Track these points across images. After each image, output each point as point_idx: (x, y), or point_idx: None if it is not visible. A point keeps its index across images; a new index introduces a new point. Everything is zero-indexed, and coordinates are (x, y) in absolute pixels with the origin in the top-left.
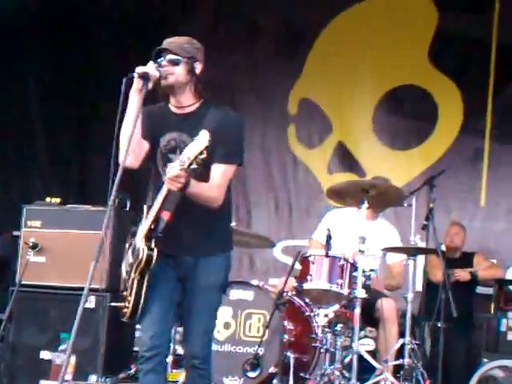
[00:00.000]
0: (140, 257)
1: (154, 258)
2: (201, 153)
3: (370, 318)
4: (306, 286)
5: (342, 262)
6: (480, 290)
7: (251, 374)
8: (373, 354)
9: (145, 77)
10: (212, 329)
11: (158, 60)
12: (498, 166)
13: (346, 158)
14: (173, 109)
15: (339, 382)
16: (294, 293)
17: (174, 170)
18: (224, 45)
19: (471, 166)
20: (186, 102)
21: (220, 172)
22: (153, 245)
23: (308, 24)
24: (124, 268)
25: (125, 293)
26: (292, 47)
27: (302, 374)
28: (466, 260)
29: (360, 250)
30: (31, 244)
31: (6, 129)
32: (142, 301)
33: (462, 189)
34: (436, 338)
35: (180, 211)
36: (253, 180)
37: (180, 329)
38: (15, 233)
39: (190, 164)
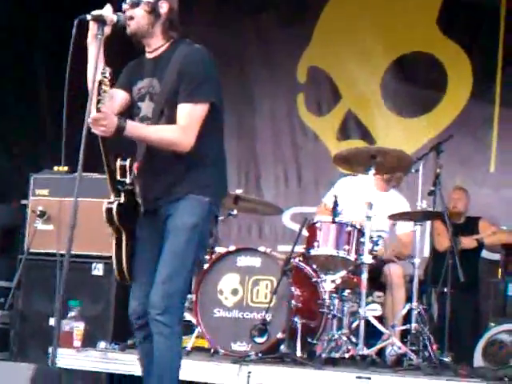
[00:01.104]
0: (104, 214)
1: (114, 210)
2: (99, 86)
3: (378, 283)
4: (313, 252)
5: (349, 228)
6: (486, 255)
7: (259, 340)
8: (380, 319)
9: (100, 20)
10: (177, 276)
11: (122, 5)
12: (508, 133)
13: (355, 126)
14: (147, 55)
15: (347, 347)
16: (301, 259)
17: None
18: (232, 16)
19: (481, 133)
20: (155, 44)
21: (184, 112)
22: (114, 197)
23: None
24: None
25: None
26: (300, 16)
27: (309, 340)
28: (470, 225)
29: (367, 216)
30: (39, 212)
31: (11, 98)
32: (124, 260)
33: (472, 156)
34: (443, 304)
35: (145, 161)
36: (262, 148)
37: (188, 295)
38: (23, 201)
39: (98, 102)
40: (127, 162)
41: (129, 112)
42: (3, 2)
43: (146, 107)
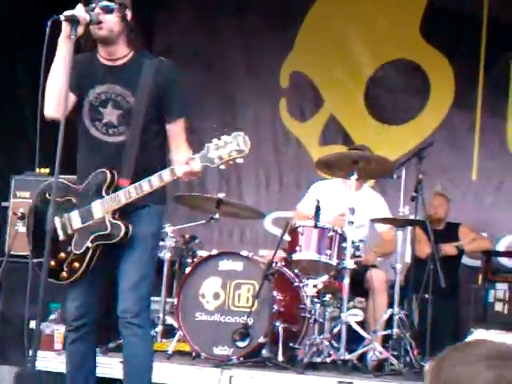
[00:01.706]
0: (113, 232)
1: (130, 234)
2: (238, 158)
3: (360, 288)
4: (295, 256)
5: (331, 232)
6: (466, 261)
7: (241, 344)
8: (361, 324)
9: (73, 20)
10: (144, 280)
11: (89, 6)
12: (489, 141)
13: (337, 132)
14: (102, 60)
15: (328, 351)
16: (283, 263)
17: (195, 164)
18: (214, 19)
19: (463, 140)
20: (119, 53)
21: (181, 130)
22: (118, 217)
23: None
24: (61, 229)
25: (62, 255)
26: (283, 21)
27: (291, 344)
28: (450, 231)
29: (349, 221)
30: (20, 214)
31: None
32: (89, 270)
33: (454, 163)
34: (424, 310)
35: (132, 179)
36: None
37: (169, 299)
38: (4, 203)
39: (221, 165)
40: (115, 176)
41: (78, 113)
42: None
43: (109, 114)
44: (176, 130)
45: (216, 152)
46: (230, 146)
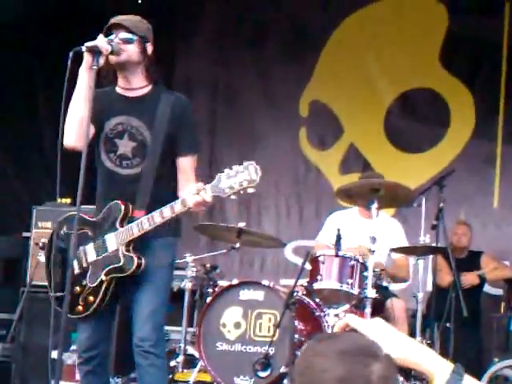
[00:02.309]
0: (126, 264)
1: (143, 266)
2: (249, 187)
3: (380, 317)
4: (316, 285)
5: (352, 261)
6: (488, 290)
7: (262, 374)
8: None
9: (95, 51)
10: (160, 310)
11: (110, 37)
12: (511, 168)
13: (357, 160)
14: (120, 91)
15: None
16: (304, 293)
17: (206, 195)
18: (233, 48)
19: (484, 168)
20: (136, 84)
21: (191, 166)
22: (131, 250)
23: (318, 26)
24: (76, 262)
25: (77, 288)
26: (301, 50)
27: None
28: (472, 260)
29: (371, 250)
30: (41, 245)
31: (13, 130)
32: (105, 303)
33: (475, 191)
34: (446, 339)
35: (148, 210)
36: (263, 181)
37: (190, 329)
38: (25, 234)
39: (231, 194)
40: (130, 208)
41: (95, 144)
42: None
43: (125, 145)
44: (186, 166)
45: (227, 182)
46: (240, 176)
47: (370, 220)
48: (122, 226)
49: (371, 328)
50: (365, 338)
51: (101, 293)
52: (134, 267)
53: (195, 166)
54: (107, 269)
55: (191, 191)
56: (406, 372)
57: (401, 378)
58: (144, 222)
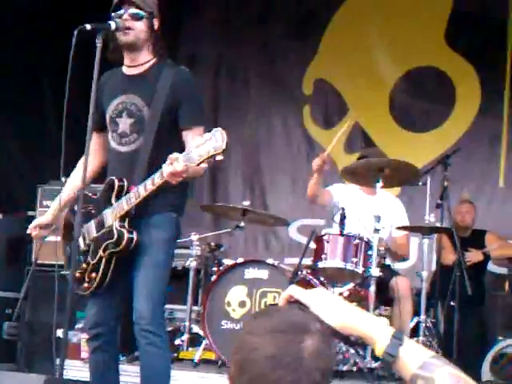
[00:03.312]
0: (118, 239)
1: (135, 240)
2: (216, 154)
3: (384, 296)
4: (320, 264)
5: (356, 240)
6: (493, 268)
7: None
8: None
9: (99, 28)
10: (159, 286)
11: (119, 12)
12: None
13: (362, 139)
14: (124, 70)
15: (354, 359)
16: (308, 271)
17: (178, 164)
18: (237, 26)
19: (489, 147)
20: (141, 59)
21: (197, 137)
22: (126, 225)
23: (322, 4)
24: (82, 239)
25: (84, 265)
26: (306, 28)
27: None
28: (476, 239)
29: (375, 229)
30: None
31: (16, 109)
32: (107, 280)
33: (481, 170)
34: (450, 317)
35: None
36: (267, 160)
37: (195, 307)
38: (30, 213)
39: (201, 162)
40: (125, 183)
41: (100, 127)
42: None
43: (124, 123)
44: (190, 138)
45: (197, 150)
46: (209, 144)
47: (372, 196)
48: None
49: (313, 298)
50: (299, 314)
51: (101, 269)
52: (125, 242)
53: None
54: (104, 244)
55: (167, 161)
56: (348, 339)
57: (343, 346)
58: (131, 196)
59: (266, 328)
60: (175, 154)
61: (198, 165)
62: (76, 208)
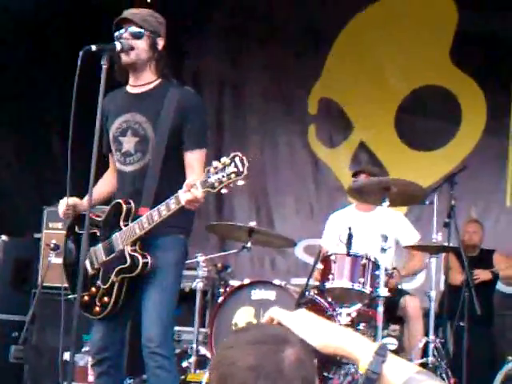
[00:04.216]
0: (132, 264)
1: (150, 265)
2: (237, 180)
3: (393, 315)
4: (328, 285)
5: (363, 260)
6: (501, 288)
7: None
8: (396, 352)
9: (105, 49)
10: (168, 310)
11: (119, 31)
12: None
13: (367, 158)
14: (129, 89)
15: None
16: (316, 292)
17: (197, 191)
18: (241, 47)
19: (496, 166)
20: (145, 79)
21: (198, 161)
22: (137, 249)
23: (327, 24)
24: (89, 263)
25: (93, 289)
26: (311, 47)
27: (325, 374)
28: (484, 258)
29: (382, 249)
30: (52, 246)
31: (24, 131)
32: (120, 304)
33: (487, 189)
34: (459, 337)
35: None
36: (273, 180)
37: (202, 329)
38: (36, 235)
39: (221, 189)
40: (132, 205)
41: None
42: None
43: (128, 142)
44: (192, 161)
45: (216, 176)
46: (228, 169)
47: (368, 212)
48: (126, 225)
49: (293, 319)
50: (277, 327)
51: (114, 293)
52: (141, 267)
53: (203, 160)
54: (116, 269)
55: (182, 189)
56: (331, 358)
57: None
58: (144, 221)
59: (246, 340)
60: (191, 180)
61: (219, 191)
62: (78, 231)
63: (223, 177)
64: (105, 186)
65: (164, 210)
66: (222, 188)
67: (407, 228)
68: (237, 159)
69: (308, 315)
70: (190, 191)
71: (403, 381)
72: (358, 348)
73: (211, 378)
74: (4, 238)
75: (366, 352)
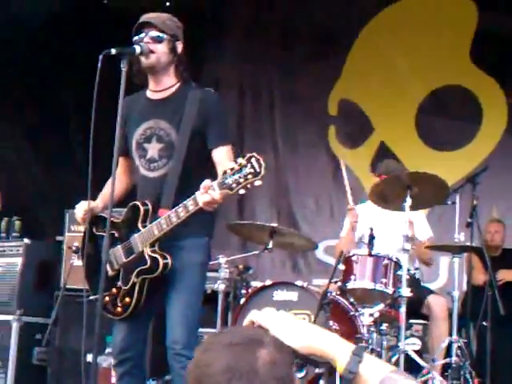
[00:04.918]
0: (152, 265)
1: (170, 265)
2: (255, 180)
3: (417, 313)
4: (349, 285)
5: (385, 261)
6: None
7: (298, 375)
8: (419, 352)
9: (124, 53)
10: (194, 311)
11: (139, 35)
12: None
13: (388, 159)
14: (149, 94)
15: None
16: (338, 293)
17: (214, 193)
18: (261, 50)
19: None
20: (166, 84)
21: (227, 156)
22: (157, 250)
23: (345, 25)
24: (109, 265)
25: (114, 290)
26: (330, 49)
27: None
28: (507, 258)
29: (403, 249)
30: (74, 248)
31: (45, 136)
32: (141, 304)
33: (509, 189)
34: (482, 338)
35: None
36: (294, 182)
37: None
38: (58, 238)
39: (239, 190)
40: (149, 206)
41: (127, 151)
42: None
43: (152, 148)
44: (221, 157)
45: (233, 177)
46: (245, 170)
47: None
48: (145, 227)
49: (271, 320)
50: (253, 329)
51: (135, 294)
52: (161, 268)
53: (231, 155)
54: (137, 270)
55: (199, 190)
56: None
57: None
58: (162, 222)
59: (222, 343)
60: (208, 182)
61: (236, 192)
62: (96, 232)
63: (240, 178)
64: (117, 186)
65: (182, 211)
66: (239, 189)
67: (422, 224)
68: (253, 160)
69: (286, 316)
70: (208, 192)
71: (379, 380)
72: (336, 348)
73: (188, 380)
74: (27, 241)
75: (344, 352)
